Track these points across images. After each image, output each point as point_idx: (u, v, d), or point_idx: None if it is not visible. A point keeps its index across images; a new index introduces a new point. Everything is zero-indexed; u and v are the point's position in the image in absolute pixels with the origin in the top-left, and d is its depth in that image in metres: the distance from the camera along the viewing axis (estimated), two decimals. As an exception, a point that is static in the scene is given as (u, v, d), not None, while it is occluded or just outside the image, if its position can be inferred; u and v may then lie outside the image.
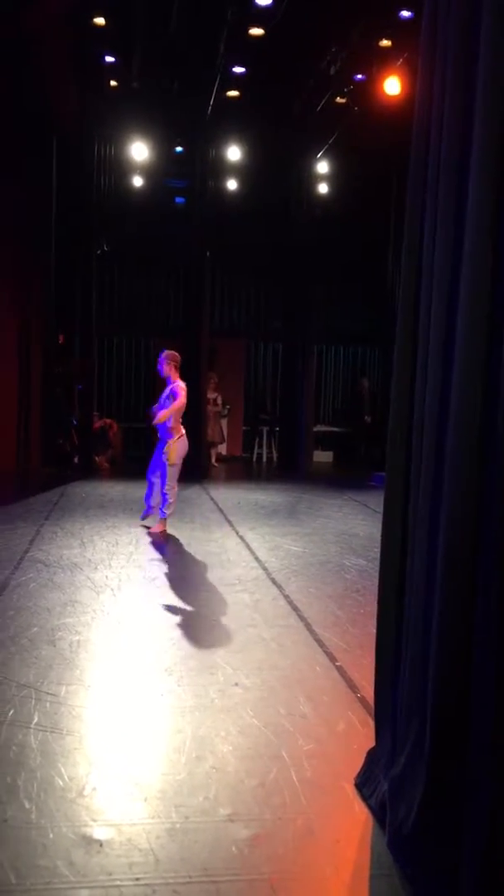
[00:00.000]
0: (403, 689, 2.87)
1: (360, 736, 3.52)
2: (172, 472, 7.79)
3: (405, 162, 3.06)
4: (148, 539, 7.76)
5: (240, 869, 2.58)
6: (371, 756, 3.17)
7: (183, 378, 7.95)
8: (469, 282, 2.42)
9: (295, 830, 2.81)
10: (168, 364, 7.77)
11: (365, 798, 3.01)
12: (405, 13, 10.10)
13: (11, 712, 3.63)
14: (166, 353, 7.86)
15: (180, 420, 7.80)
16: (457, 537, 2.46)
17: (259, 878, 2.54)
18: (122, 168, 14.37)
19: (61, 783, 3.04)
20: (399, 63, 11.08)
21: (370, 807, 2.96)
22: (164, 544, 7.61)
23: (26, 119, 12.45)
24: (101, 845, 2.66)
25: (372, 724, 3.42)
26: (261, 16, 10.06)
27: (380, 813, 2.86)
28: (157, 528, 7.97)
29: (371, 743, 3.27)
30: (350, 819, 2.93)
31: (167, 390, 7.78)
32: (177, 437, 7.74)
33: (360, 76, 11.76)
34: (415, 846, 2.54)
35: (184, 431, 7.82)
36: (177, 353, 7.93)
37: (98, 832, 2.73)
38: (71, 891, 2.43)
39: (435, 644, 2.55)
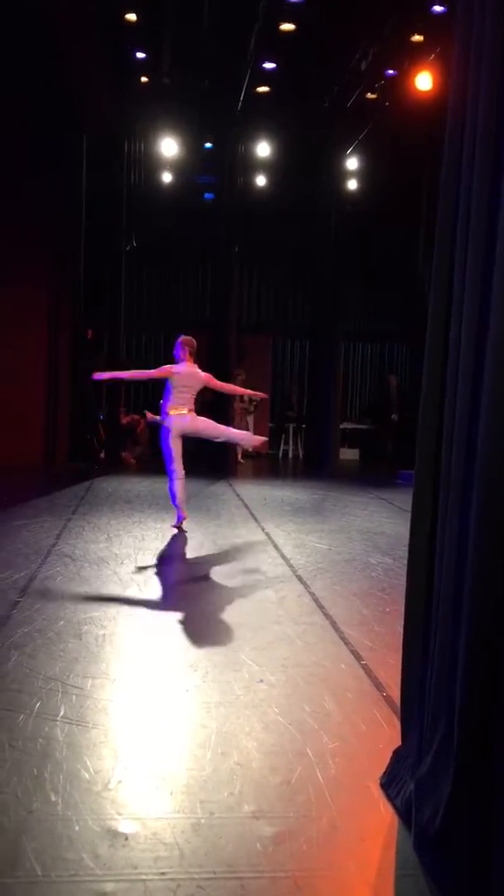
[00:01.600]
0: (430, 688, 2.84)
1: (386, 735, 3.50)
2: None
3: (436, 158, 3.04)
4: (174, 534, 7.77)
5: (264, 866, 2.57)
6: (397, 755, 3.15)
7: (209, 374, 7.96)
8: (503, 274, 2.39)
9: (319, 828, 2.79)
10: (184, 349, 7.69)
11: (390, 798, 2.99)
12: (437, 8, 10.02)
13: (38, 704, 3.65)
14: (184, 338, 7.80)
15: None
16: (487, 536, 2.43)
17: (283, 875, 2.53)
18: (151, 164, 14.41)
19: (87, 776, 3.05)
20: (431, 58, 10.99)
21: (395, 807, 2.93)
22: (190, 539, 7.62)
23: (57, 115, 12.53)
24: (126, 839, 2.67)
25: (397, 723, 3.40)
26: (292, 11, 10.03)
27: (405, 813, 2.84)
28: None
29: (396, 742, 3.25)
30: (375, 818, 2.91)
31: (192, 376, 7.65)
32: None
33: (391, 71, 11.69)
34: (442, 847, 2.52)
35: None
36: (193, 339, 7.84)
37: (123, 826, 2.74)
38: (96, 883, 2.44)
39: (463, 643, 2.52)
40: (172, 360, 7.88)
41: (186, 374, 7.68)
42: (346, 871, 2.60)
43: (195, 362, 7.80)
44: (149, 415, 8.07)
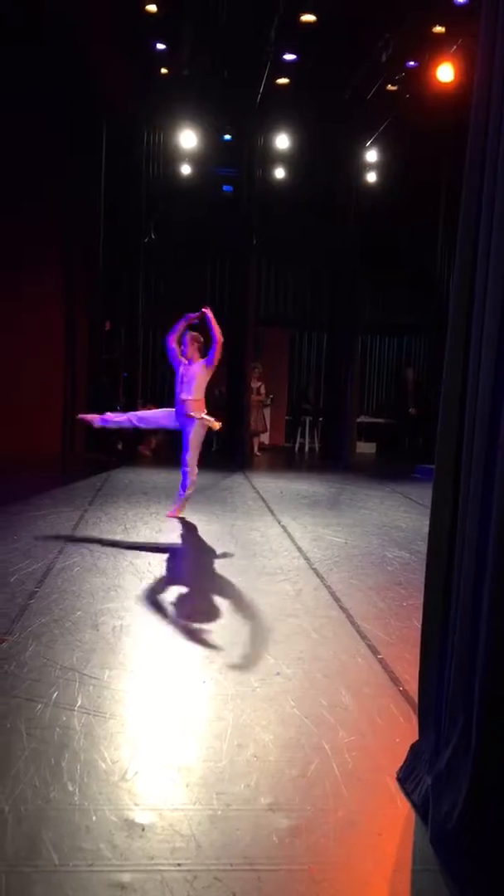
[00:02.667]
0: (449, 682, 2.83)
1: (403, 730, 3.49)
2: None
3: (456, 150, 3.02)
4: (191, 527, 7.79)
5: (281, 858, 2.57)
6: (414, 750, 3.14)
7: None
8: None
9: (336, 822, 2.79)
10: (192, 345, 7.85)
11: (407, 792, 2.99)
12: (460, -1, 9.94)
13: (56, 694, 3.67)
14: (193, 334, 7.91)
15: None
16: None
17: (300, 868, 2.53)
18: (170, 155, 14.40)
19: (104, 766, 3.06)
20: (453, 50, 10.89)
21: (412, 801, 2.93)
22: (207, 532, 7.62)
23: (77, 106, 12.53)
24: (143, 829, 2.67)
25: (414, 718, 3.39)
26: (313, 2, 9.96)
27: (422, 808, 2.83)
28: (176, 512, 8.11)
29: (413, 737, 3.24)
30: (392, 813, 2.90)
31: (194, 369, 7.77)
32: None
33: (412, 63, 11.60)
34: (459, 842, 2.51)
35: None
36: (199, 335, 7.96)
37: (140, 816, 2.75)
38: (113, 874, 2.45)
39: (483, 638, 2.51)
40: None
41: (191, 369, 7.86)
42: (363, 865, 2.60)
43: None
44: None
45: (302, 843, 2.66)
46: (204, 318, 7.78)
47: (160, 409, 7.95)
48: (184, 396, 7.77)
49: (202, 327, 7.94)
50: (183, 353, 7.87)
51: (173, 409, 7.86)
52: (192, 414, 7.74)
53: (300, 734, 3.43)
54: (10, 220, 11.68)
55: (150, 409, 14.35)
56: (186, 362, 7.84)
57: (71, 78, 11.77)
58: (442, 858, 2.59)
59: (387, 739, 3.43)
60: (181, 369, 7.83)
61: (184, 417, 7.80)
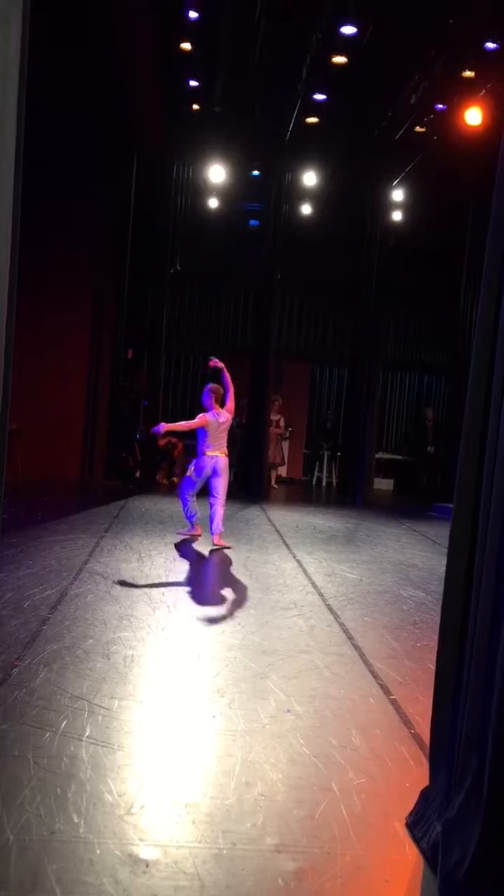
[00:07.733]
0: (461, 728, 2.79)
1: (413, 773, 3.44)
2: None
3: (483, 192, 3.04)
4: (205, 558, 7.77)
5: (286, 902, 2.53)
6: (424, 796, 3.09)
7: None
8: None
9: (343, 866, 2.74)
10: (210, 396, 8.16)
11: (416, 839, 2.93)
12: (490, 45, 10.04)
13: (64, 723, 3.65)
14: (211, 385, 8.26)
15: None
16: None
17: (305, 912, 2.49)
18: (198, 189, 14.60)
19: (110, 799, 3.03)
20: (482, 94, 11.00)
21: (421, 848, 2.87)
22: (221, 563, 7.60)
23: (110, 138, 12.76)
24: (147, 865, 2.64)
25: (425, 761, 3.34)
26: (345, 44, 10.11)
27: (431, 855, 2.78)
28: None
29: (424, 782, 3.19)
30: (400, 859, 2.85)
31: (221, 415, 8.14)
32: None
33: (441, 106, 11.72)
34: (469, 892, 2.46)
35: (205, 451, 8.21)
36: (219, 387, 8.29)
37: (145, 852, 2.71)
38: (115, 909, 2.42)
39: (499, 682, 2.47)
40: (216, 390, 8.28)
41: (219, 422, 8.15)
42: (369, 912, 2.55)
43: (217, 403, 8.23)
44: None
45: (308, 886, 2.62)
46: (219, 370, 8.25)
47: (200, 470, 8.18)
48: (220, 450, 8.16)
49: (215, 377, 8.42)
50: (205, 405, 8.17)
51: (210, 465, 8.12)
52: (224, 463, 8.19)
53: (309, 774, 3.39)
54: (42, 249, 11.84)
55: (171, 440, 14.40)
56: (212, 415, 8.11)
57: (106, 110, 12.00)
58: (450, 909, 2.53)
59: (396, 783, 3.38)
60: (213, 423, 8.08)
61: (221, 468, 8.16)
